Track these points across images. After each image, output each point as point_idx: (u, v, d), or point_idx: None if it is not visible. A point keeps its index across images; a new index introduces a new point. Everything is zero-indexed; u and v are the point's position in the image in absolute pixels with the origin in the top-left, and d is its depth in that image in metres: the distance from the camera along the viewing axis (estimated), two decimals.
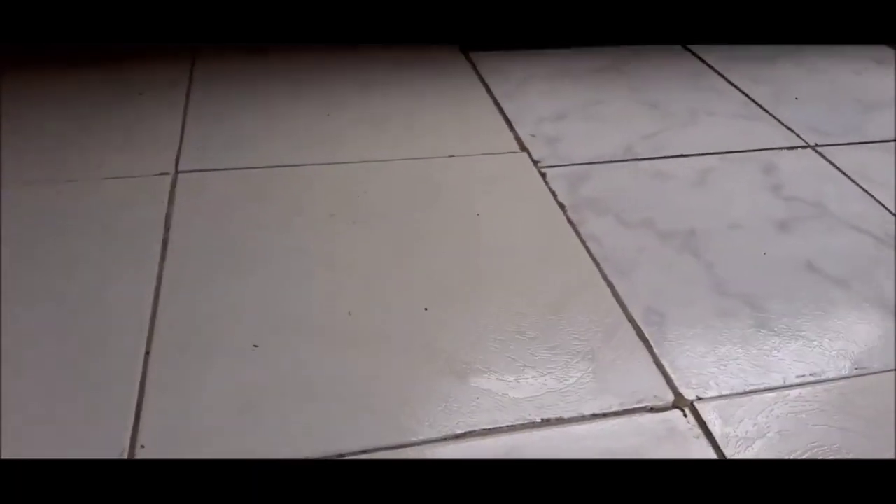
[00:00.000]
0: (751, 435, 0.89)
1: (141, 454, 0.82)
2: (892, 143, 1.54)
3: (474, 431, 0.88)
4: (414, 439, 0.86)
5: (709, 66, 1.83)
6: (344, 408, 0.89)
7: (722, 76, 1.78)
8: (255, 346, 0.97)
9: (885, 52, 1.97)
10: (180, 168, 1.32)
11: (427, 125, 1.51)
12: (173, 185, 1.27)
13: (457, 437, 0.87)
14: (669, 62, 1.84)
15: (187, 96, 1.56)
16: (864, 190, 1.38)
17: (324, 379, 0.93)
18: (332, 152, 1.39)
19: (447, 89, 1.65)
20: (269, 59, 1.73)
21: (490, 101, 1.62)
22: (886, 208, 1.33)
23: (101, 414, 0.86)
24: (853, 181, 1.41)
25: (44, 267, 1.07)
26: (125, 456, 0.82)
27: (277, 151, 1.39)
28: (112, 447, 0.83)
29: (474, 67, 1.78)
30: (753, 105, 1.66)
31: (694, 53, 1.89)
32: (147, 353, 0.94)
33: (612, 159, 1.43)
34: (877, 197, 1.36)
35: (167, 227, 1.16)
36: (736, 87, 1.73)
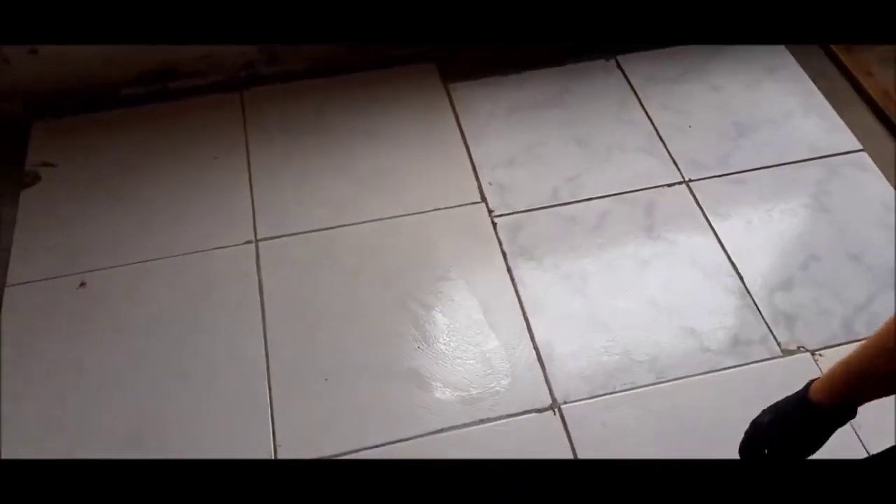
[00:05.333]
0: None
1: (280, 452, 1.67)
2: (746, 174, 2.17)
3: None
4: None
5: (633, 89, 2.39)
6: None
7: (640, 103, 2.35)
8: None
9: (782, 55, 2.48)
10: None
11: (413, 182, 2.16)
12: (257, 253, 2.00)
13: None
14: (602, 86, 2.40)
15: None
16: (710, 225, 2.06)
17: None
18: (352, 212, 2.09)
19: (429, 138, 2.28)
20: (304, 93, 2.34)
21: (464, 150, 2.25)
22: (721, 244, 2.02)
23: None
24: (706, 217, 2.08)
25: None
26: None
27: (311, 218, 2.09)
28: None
29: (451, 101, 2.37)
30: (655, 138, 2.26)
31: (623, 72, 2.44)
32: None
33: (542, 205, 2.11)
34: (717, 231, 2.04)
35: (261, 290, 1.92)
36: (648, 116, 2.32)
